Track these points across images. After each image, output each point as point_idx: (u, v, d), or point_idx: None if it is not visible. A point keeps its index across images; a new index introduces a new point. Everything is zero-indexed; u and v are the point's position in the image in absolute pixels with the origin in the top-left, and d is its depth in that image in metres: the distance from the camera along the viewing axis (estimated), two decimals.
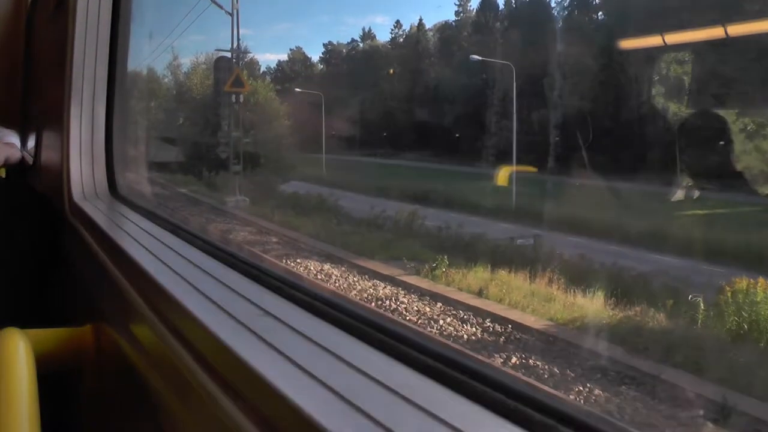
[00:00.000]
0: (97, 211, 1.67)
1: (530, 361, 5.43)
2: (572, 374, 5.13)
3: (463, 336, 6.15)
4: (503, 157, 11.61)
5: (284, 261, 8.78)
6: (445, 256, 7.82)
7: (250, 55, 18.13)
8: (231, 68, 14.32)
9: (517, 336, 6.05)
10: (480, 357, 5.27)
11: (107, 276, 1.24)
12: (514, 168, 11.02)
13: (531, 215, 9.30)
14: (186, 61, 17.86)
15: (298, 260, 8.96)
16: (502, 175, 11.24)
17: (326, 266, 8.59)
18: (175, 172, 14.97)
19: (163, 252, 1.22)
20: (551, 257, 7.57)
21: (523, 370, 5.21)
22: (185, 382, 0.80)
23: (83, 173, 1.87)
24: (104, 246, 1.37)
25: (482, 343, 5.99)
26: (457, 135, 15.84)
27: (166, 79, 17.48)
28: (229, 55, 14.34)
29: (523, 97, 11.87)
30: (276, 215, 11.77)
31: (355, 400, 0.58)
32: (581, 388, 4.88)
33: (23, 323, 1.25)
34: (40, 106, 2.60)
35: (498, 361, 5.40)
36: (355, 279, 8.05)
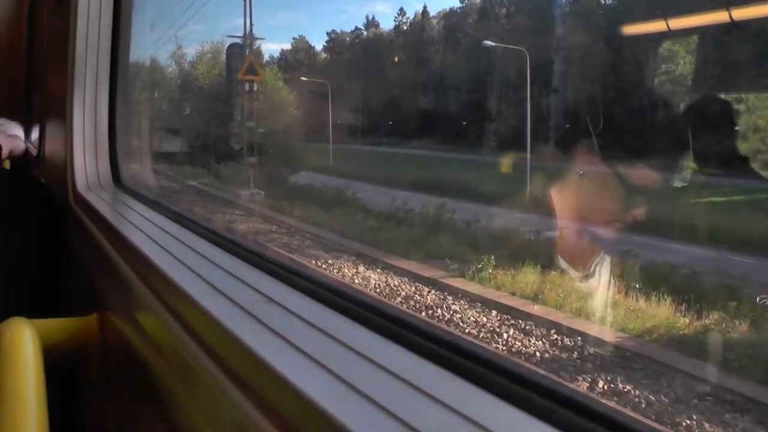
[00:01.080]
0: (100, 201, 1.67)
1: (619, 385, 4.82)
2: (667, 400, 4.60)
3: (534, 353, 5.51)
4: (511, 145, 11.52)
5: (314, 262, 8.14)
6: (492, 257, 7.15)
7: (260, 42, 17.91)
8: (243, 55, 13.97)
9: (591, 351, 5.43)
10: (563, 381, 4.69)
11: (111, 265, 1.24)
12: (527, 155, 10.82)
13: (546, 204, 9.01)
14: (191, 51, 17.74)
15: (329, 261, 8.28)
16: (510, 162, 11.13)
17: (361, 268, 7.96)
18: (182, 164, 14.92)
19: (167, 241, 1.22)
20: (592, 253, 7.16)
21: (615, 398, 4.61)
22: (190, 370, 0.80)
23: (87, 164, 1.87)
24: (108, 235, 1.37)
25: (558, 361, 5.35)
26: (464, 123, 15.74)
27: (170, 69, 17.42)
28: (241, 41, 14.00)
29: (534, 83, 11.71)
30: (295, 209, 11.29)
31: (360, 386, 0.58)
32: (687, 420, 4.29)
33: (28, 313, 1.25)
34: (43, 98, 2.60)
35: (583, 385, 4.81)
36: (396, 283, 7.34)
